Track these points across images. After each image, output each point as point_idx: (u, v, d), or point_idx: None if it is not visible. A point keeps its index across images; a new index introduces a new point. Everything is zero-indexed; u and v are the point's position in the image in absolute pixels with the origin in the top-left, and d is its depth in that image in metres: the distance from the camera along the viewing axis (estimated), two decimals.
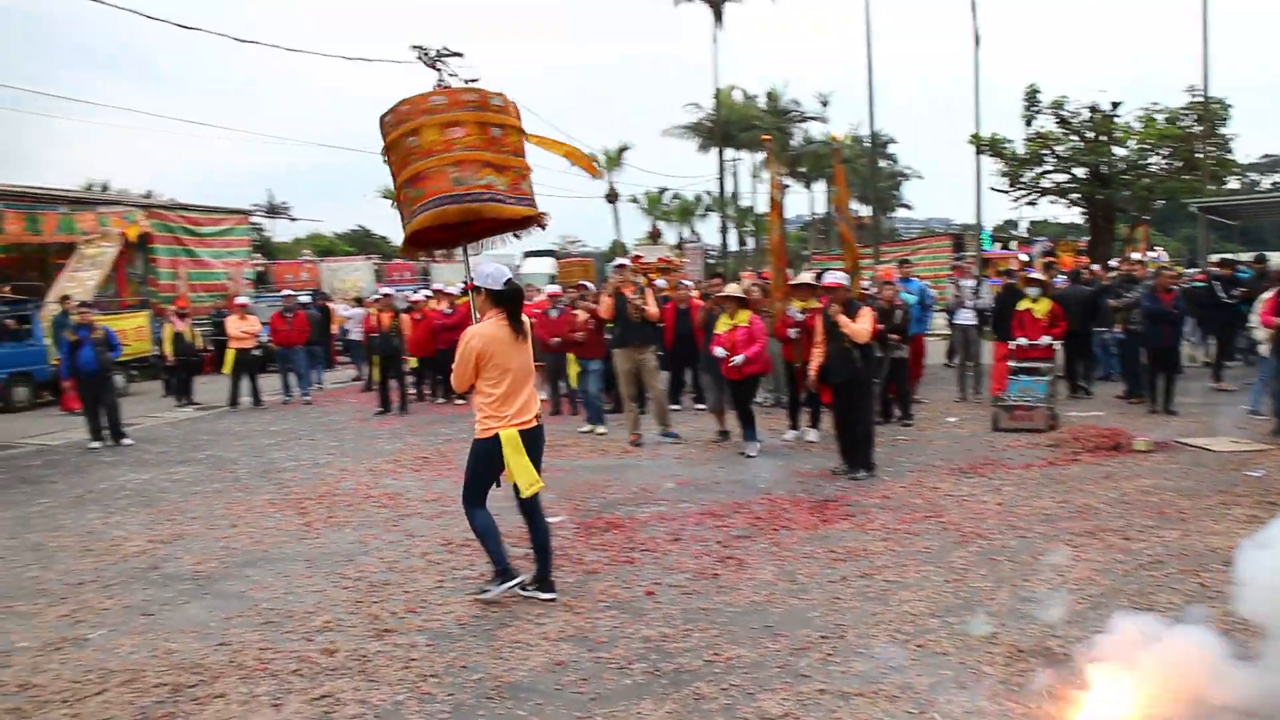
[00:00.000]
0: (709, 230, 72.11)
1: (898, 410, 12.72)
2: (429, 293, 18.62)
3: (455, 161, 6.60)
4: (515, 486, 6.15)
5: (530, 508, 6.34)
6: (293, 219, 59.66)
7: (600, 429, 12.69)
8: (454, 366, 6.22)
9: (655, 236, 59.99)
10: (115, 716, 4.70)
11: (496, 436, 6.09)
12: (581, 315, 12.97)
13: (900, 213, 76.89)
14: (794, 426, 11.86)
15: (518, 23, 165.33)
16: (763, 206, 65.15)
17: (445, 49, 39.71)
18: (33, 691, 5.04)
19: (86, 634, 5.90)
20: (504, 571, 6.25)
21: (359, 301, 21.28)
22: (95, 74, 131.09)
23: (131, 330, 21.68)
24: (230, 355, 17.36)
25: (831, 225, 67.43)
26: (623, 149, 61.42)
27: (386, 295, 16.81)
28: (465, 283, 7.03)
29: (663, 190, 67.63)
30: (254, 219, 38.00)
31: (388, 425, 14.49)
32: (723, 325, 10.97)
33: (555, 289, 15.85)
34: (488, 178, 6.67)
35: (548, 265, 40.64)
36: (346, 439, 13.27)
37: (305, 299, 20.79)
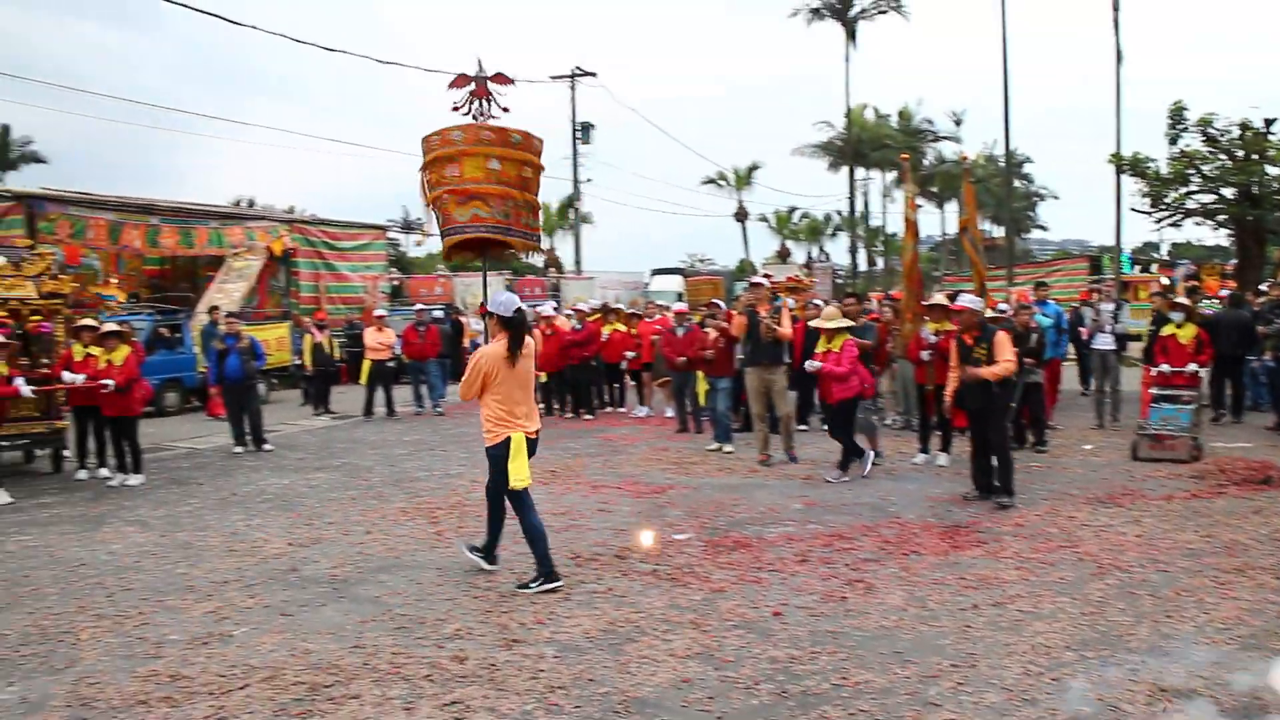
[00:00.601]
0: (838, 250, 71.55)
1: (1031, 436, 12.40)
2: (555, 308, 18.87)
3: (495, 195, 8.28)
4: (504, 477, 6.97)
5: (519, 500, 7.08)
6: (426, 235, 61.00)
7: (728, 448, 12.68)
8: (464, 378, 7.11)
9: (784, 256, 59.71)
10: (257, 711, 4.87)
11: (508, 439, 6.96)
12: (711, 333, 12.97)
13: (1035, 234, 75.17)
14: (924, 450, 11.66)
15: (650, 42, 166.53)
16: (893, 226, 64.45)
17: (579, 69, 40.41)
18: (182, 682, 5.26)
19: (230, 631, 6.13)
20: (550, 571, 6.90)
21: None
22: (244, 95, 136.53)
23: (273, 340, 22.44)
24: (366, 366, 17.84)
25: (962, 246, 66.32)
26: (753, 168, 61.47)
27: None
28: (481, 304, 8.83)
29: (792, 209, 67.43)
30: (390, 234, 38.94)
31: None
32: (821, 347, 11.02)
33: (682, 306, 15.92)
34: (513, 212, 8.39)
35: (675, 283, 40.77)
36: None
37: (438, 313, 21.25)
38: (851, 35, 50.64)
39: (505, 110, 9.52)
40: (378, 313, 19.22)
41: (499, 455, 6.99)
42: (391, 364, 17.96)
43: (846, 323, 11.34)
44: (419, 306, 20.43)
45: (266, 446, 14.07)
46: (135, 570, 7.68)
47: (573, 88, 40.63)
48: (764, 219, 67.12)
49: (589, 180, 42.41)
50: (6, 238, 19.40)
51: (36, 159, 68.18)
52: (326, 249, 29.10)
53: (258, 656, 5.65)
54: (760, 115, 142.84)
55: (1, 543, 8.79)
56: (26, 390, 11.31)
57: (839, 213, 66.29)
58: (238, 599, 6.82)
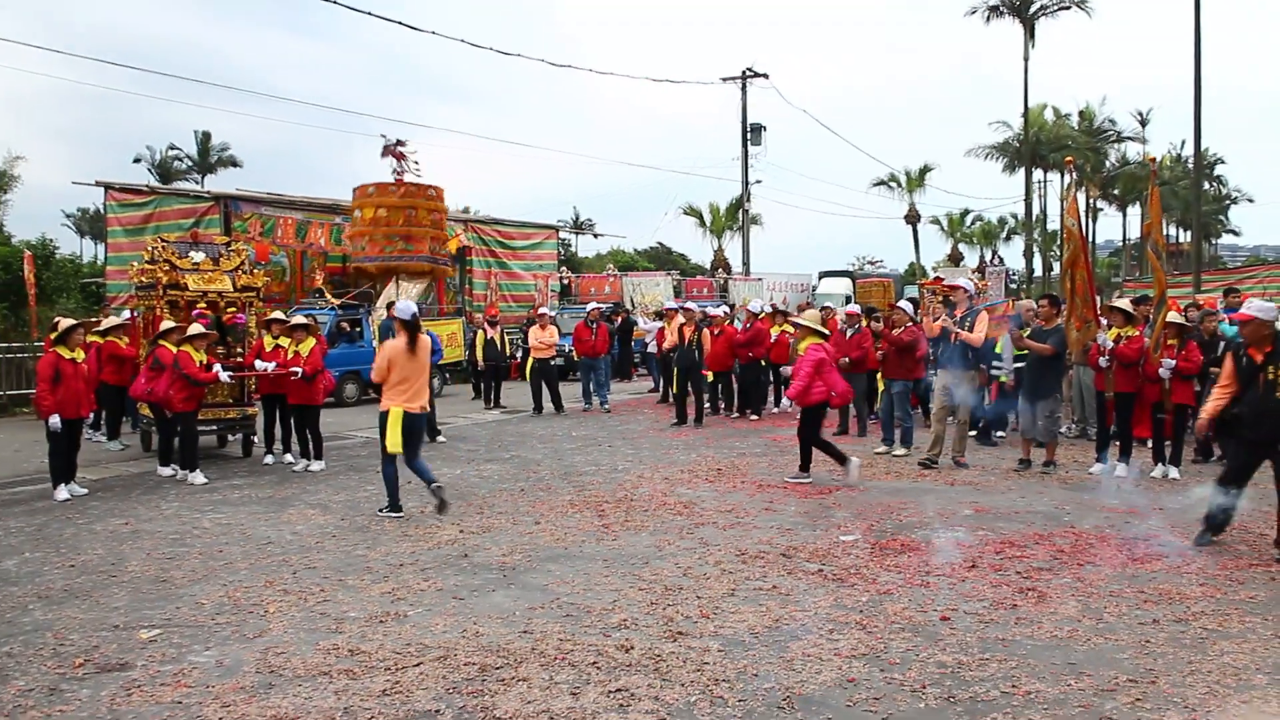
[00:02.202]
0: (1013, 254, 69.57)
1: (1218, 449, 11.80)
2: (726, 309, 18.90)
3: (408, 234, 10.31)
4: (385, 439, 9.25)
5: (388, 458, 9.41)
6: (596, 235, 62.01)
7: (898, 450, 12.49)
8: (375, 364, 9.48)
9: (956, 259, 58.44)
10: (430, 688, 5.03)
11: (389, 411, 9.20)
12: (905, 334, 12.72)
13: (1225, 239, 71.48)
14: (1101, 459, 11.23)
15: (821, 42, 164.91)
16: None
17: (750, 70, 40.35)
18: (360, 657, 5.48)
19: (406, 611, 6.35)
20: (395, 505, 9.45)
21: (659, 315, 21.79)
22: (423, 97, 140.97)
23: (446, 336, 23.12)
24: (530, 363, 18.20)
25: (1145, 251, 63.67)
26: (925, 169, 60.25)
27: (688, 310, 17.13)
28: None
29: (965, 212, 65.88)
30: (561, 234, 39.64)
31: (683, 437, 14.80)
32: (801, 348, 11.06)
33: (854, 309, 15.74)
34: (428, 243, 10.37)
35: (843, 286, 40.31)
36: (643, 448, 13.65)
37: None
38: (1031, 32, 49.12)
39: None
40: (542, 311, 19.51)
41: (383, 421, 9.28)
42: (557, 361, 18.19)
43: (818, 326, 11.20)
44: (590, 305, 20.73)
45: (440, 438, 14.52)
46: (318, 550, 8.04)
47: (743, 89, 40.58)
48: (936, 221, 65.90)
49: (758, 182, 42.35)
50: (206, 235, 20.55)
51: (233, 163, 72.33)
52: (500, 247, 29.81)
53: (431, 636, 5.84)
54: (934, 115, 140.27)
55: (198, 519, 9.32)
56: (225, 376, 11.95)
57: (1014, 215, 64.57)
58: (413, 581, 7.06)
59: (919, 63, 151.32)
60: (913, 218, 61.30)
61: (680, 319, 16.63)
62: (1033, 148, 52.60)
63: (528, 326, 21.34)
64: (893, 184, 60.84)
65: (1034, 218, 55.90)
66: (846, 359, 14.20)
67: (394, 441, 9.14)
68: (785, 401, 17.87)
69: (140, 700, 4.96)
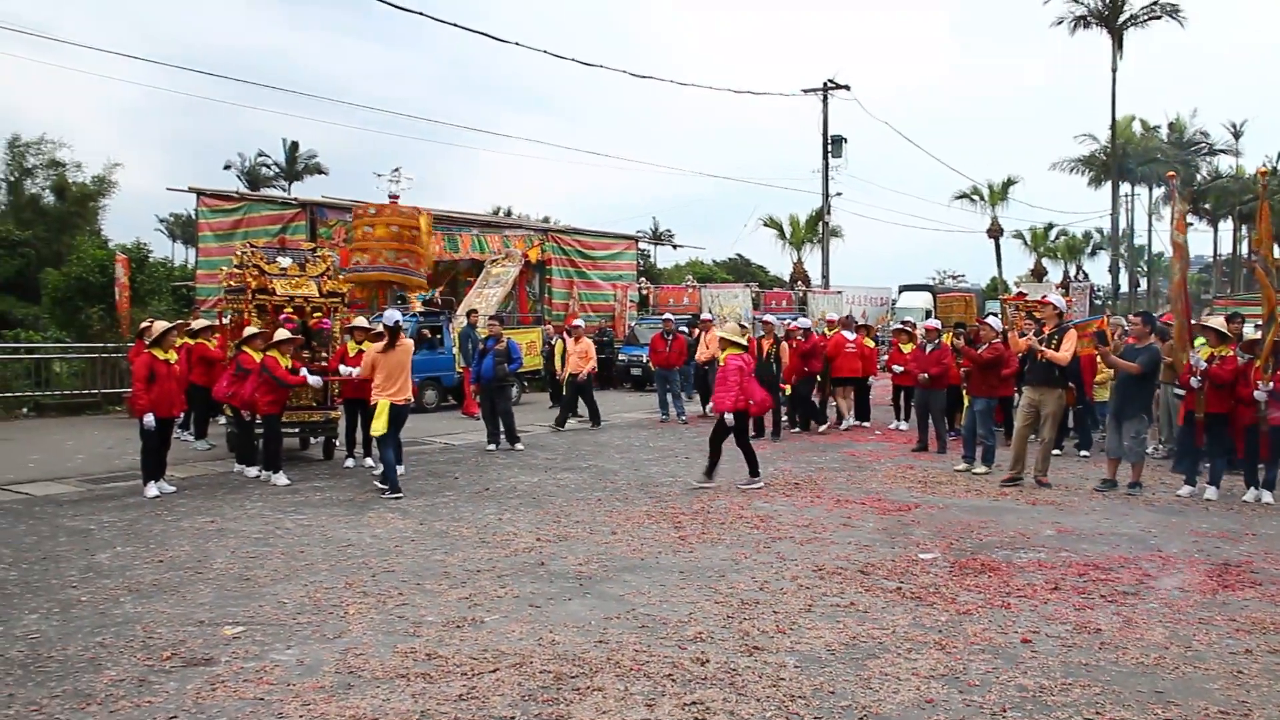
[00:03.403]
0: (1098, 269, 68.25)
1: None
2: (808, 322, 18.79)
3: (391, 248, 12.35)
4: (372, 426, 11.00)
5: (380, 442, 11.03)
6: (675, 246, 62.05)
7: (979, 468, 12.30)
8: (361, 367, 11.34)
9: (1039, 274, 57.51)
10: (506, 695, 5.05)
11: (379, 403, 10.83)
12: (988, 352, 12.54)
13: None
14: (1189, 482, 10.95)
15: (903, 54, 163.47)
16: (1159, 245, 60.91)
17: (831, 81, 40.13)
18: (437, 661, 5.53)
19: (482, 617, 6.40)
20: (394, 486, 10.77)
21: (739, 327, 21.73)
22: (504, 107, 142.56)
23: (525, 344, 23.28)
24: (565, 377, 18.00)
25: (1237, 267, 61.84)
26: (1008, 182, 59.43)
27: (767, 322, 17.05)
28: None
29: (1049, 226, 64.78)
30: (640, 245, 39.72)
31: (760, 449, 14.66)
32: (721, 358, 11.74)
33: (933, 323, 15.56)
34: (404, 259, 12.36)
35: (922, 300, 39.89)
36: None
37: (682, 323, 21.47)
38: (1119, 42, 48.23)
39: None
40: (576, 322, 19.21)
41: (370, 410, 11.05)
42: (583, 376, 17.51)
43: (738, 339, 11.70)
44: (665, 316, 20.74)
45: (518, 446, 14.61)
46: (396, 554, 8.13)
47: (824, 101, 40.34)
48: (1019, 235, 64.90)
49: (839, 194, 41.99)
50: (294, 241, 20.96)
51: (319, 170, 73.80)
52: (579, 257, 29.98)
53: (507, 643, 5.87)
54: (1017, 128, 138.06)
55: (280, 520, 9.49)
56: (314, 380, 12.17)
57: (1099, 230, 63.37)
58: (489, 588, 7.11)
59: (1002, 74, 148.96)
60: (995, 232, 60.46)
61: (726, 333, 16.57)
62: (1120, 161, 51.55)
63: (605, 338, 21.30)
64: (975, 197, 60.13)
65: (1120, 232, 54.74)
66: (925, 375, 14.05)
67: (379, 426, 10.86)
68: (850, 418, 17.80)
69: (224, 695, 5.06)
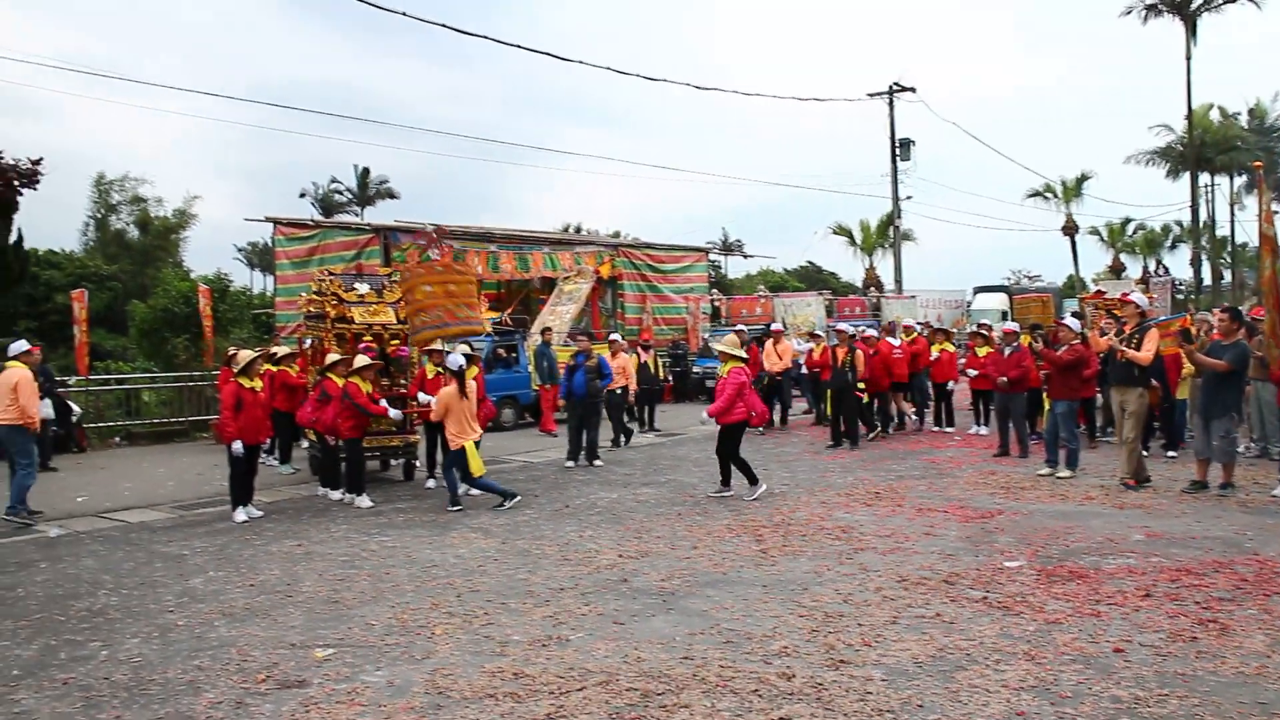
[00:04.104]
0: (1179, 263, 66.69)
1: None
2: (875, 330, 18.64)
3: (446, 304, 12.66)
4: (469, 468, 11.28)
5: (479, 482, 11.49)
6: (745, 256, 61.96)
7: (1062, 472, 12.09)
8: (433, 409, 11.51)
9: (1117, 270, 56.39)
10: (594, 713, 5.08)
11: (464, 447, 11.23)
12: (1068, 353, 12.36)
13: None
14: None
15: (969, 51, 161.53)
16: (1242, 236, 59.38)
17: (897, 84, 39.81)
18: (524, 680, 5.58)
19: (568, 635, 6.44)
20: (455, 499, 11.38)
21: (812, 336, 21.62)
22: (570, 125, 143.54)
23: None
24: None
25: None
26: (1082, 178, 58.34)
27: (841, 330, 16.96)
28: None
29: (1126, 221, 63.48)
30: (711, 256, 39.70)
31: (839, 459, 14.63)
32: (720, 370, 12.01)
33: (1011, 326, 15.34)
34: (445, 314, 12.65)
35: (998, 301, 39.35)
36: (799, 471, 13.54)
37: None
38: (1193, 30, 47.16)
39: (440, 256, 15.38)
40: (614, 337, 18.90)
41: (460, 455, 11.28)
42: (620, 391, 17.15)
43: (737, 351, 11.97)
44: (738, 327, 20.68)
45: (597, 462, 14.68)
46: (480, 574, 8.22)
47: (890, 104, 40.01)
48: (1095, 232, 63.68)
49: (909, 197, 41.47)
50: (369, 267, 21.31)
51: (390, 194, 74.92)
52: (650, 271, 30.04)
53: (593, 661, 5.90)
54: (1089, 122, 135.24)
55: (365, 542, 9.64)
56: (395, 414, 12.43)
57: (1179, 223, 61.93)
58: (573, 605, 7.15)
59: (1070, 68, 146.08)
60: (1070, 229, 59.38)
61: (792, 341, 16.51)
62: (1198, 150, 50.33)
63: (679, 351, 21.20)
64: (1048, 195, 59.12)
65: (1201, 224, 53.43)
66: (1005, 378, 13.85)
67: (478, 466, 11.33)
68: (929, 420, 17.69)
69: (318, 717, 5.16)
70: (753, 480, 11.66)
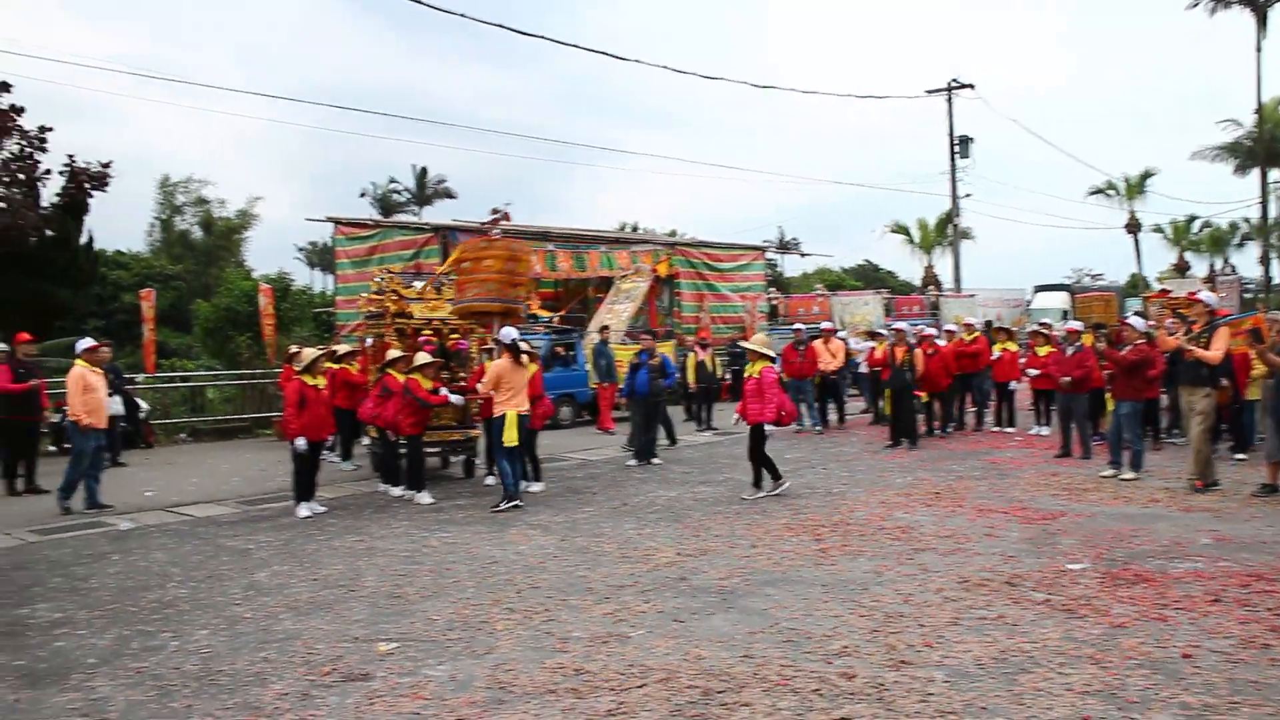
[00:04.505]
0: (1246, 261, 65.36)
1: None
2: (937, 330, 18.49)
3: (495, 280, 12.86)
4: (503, 437, 11.32)
5: (511, 453, 11.40)
6: (802, 254, 61.62)
7: (1127, 474, 11.90)
8: (483, 383, 11.65)
9: (1182, 269, 55.37)
10: (654, 710, 5.10)
11: (505, 415, 11.28)
12: (1132, 353, 12.19)
13: None
14: None
15: (1030, 46, 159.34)
16: None
17: (955, 81, 39.45)
18: (585, 676, 5.62)
19: (628, 632, 6.46)
20: (512, 497, 11.25)
21: (870, 335, 21.50)
22: (626, 124, 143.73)
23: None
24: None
25: None
26: (1146, 175, 57.37)
27: (899, 330, 16.83)
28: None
29: (1191, 218, 62.27)
30: (768, 254, 39.54)
31: (898, 459, 14.53)
32: (746, 371, 12.08)
33: (1074, 325, 15.13)
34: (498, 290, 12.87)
35: (1059, 300, 38.82)
36: (858, 470, 13.48)
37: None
38: (1263, 21, 46.18)
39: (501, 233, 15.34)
40: (644, 336, 18.21)
41: (500, 423, 11.30)
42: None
43: (767, 350, 11.94)
44: (797, 326, 20.60)
45: (655, 460, 14.71)
46: (540, 570, 8.27)
47: (949, 101, 39.66)
48: (1159, 229, 62.46)
49: (968, 195, 41.15)
50: (427, 266, 21.51)
51: (448, 194, 75.50)
52: (707, 270, 29.99)
53: (653, 658, 5.92)
54: (1153, 118, 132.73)
55: (426, 538, 9.75)
56: (456, 399, 12.55)
57: (1247, 220, 60.62)
58: (633, 603, 7.18)
59: (1132, 63, 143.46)
60: (1133, 226, 58.41)
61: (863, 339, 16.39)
62: (1267, 145, 49.27)
63: (736, 349, 21.06)
64: (1111, 192, 58.21)
65: (1270, 221, 52.28)
66: (1067, 378, 13.66)
67: (511, 436, 11.30)
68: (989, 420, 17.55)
69: (382, 710, 5.23)
70: (775, 475, 11.83)
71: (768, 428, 11.66)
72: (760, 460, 11.81)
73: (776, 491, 11.57)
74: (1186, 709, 4.93)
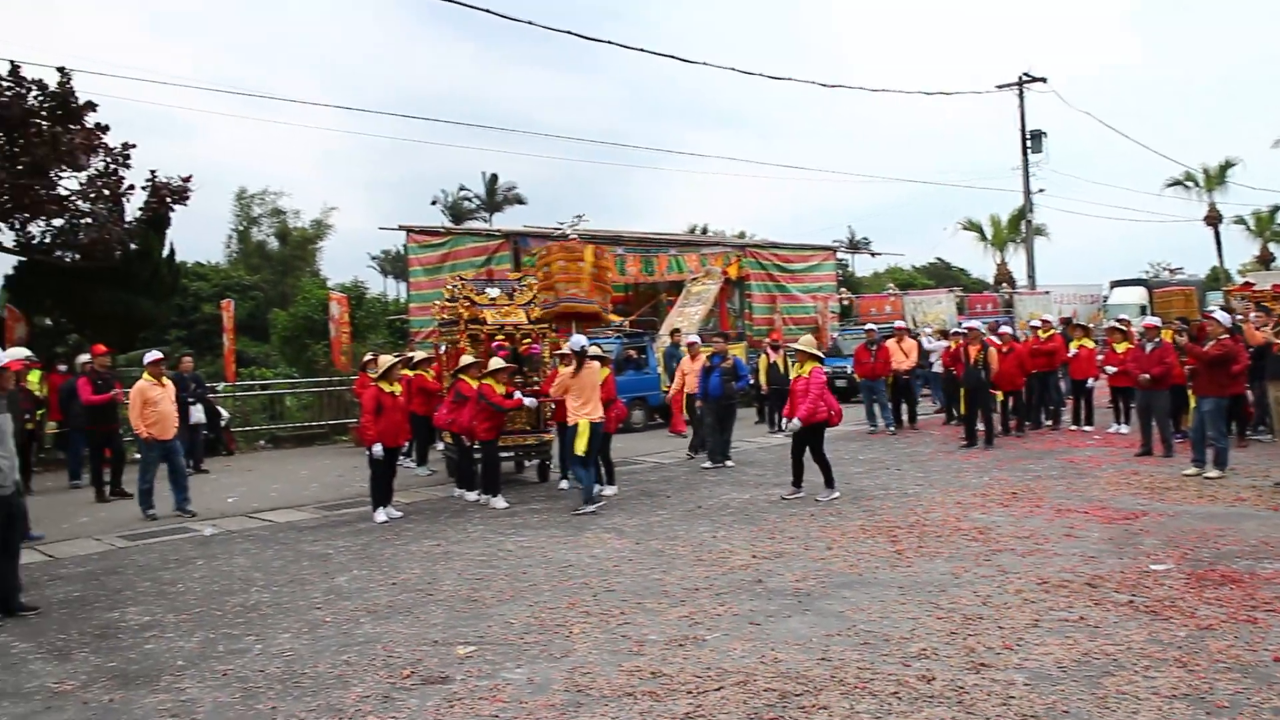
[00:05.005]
0: None
1: None
2: (1010, 329, 18.22)
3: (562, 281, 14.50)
4: (575, 446, 11.44)
5: (587, 460, 11.46)
6: (873, 254, 60.96)
7: (1211, 472, 11.63)
8: (553, 389, 12.07)
9: (1265, 261, 53.91)
10: (732, 713, 5.10)
11: (579, 424, 11.40)
12: (1214, 349, 11.92)
13: None
14: None
15: (1100, 36, 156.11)
16: None
17: (1026, 75, 38.82)
18: (663, 679, 5.64)
19: (704, 635, 6.47)
20: (591, 500, 11.33)
21: (944, 334, 21.25)
22: (695, 126, 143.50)
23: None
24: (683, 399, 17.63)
25: None
26: (1226, 165, 55.93)
27: (973, 328, 16.63)
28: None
29: (1275, 209, 60.58)
30: (838, 254, 39.25)
31: (973, 459, 14.35)
32: (794, 372, 12.27)
33: (1153, 321, 14.84)
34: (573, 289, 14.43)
35: (1136, 295, 37.94)
36: (933, 470, 13.34)
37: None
38: None
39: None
40: (689, 339, 17.33)
41: (574, 431, 11.45)
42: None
43: (816, 351, 11.93)
44: (869, 326, 20.43)
45: (729, 463, 14.68)
46: (615, 573, 8.31)
47: (1020, 96, 38.99)
48: (1240, 221, 60.84)
49: (1041, 190, 40.29)
50: (499, 272, 21.69)
51: (518, 200, 75.98)
52: (778, 271, 29.86)
53: (730, 661, 5.92)
54: (1229, 107, 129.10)
55: (501, 542, 9.84)
56: (530, 401, 12.71)
57: None
58: (708, 605, 7.18)
59: (1207, 50, 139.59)
60: (1213, 218, 57.02)
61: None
62: None
63: (763, 351, 20.80)
64: (1189, 183, 56.87)
65: None
66: (1147, 375, 13.39)
67: (582, 446, 11.35)
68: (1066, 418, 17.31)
69: (461, 713, 5.30)
70: (829, 482, 11.77)
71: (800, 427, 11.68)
72: (820, 462, 11.79)
73: (828, 499, 11.47)
74: (1278, 714, 4.82)
